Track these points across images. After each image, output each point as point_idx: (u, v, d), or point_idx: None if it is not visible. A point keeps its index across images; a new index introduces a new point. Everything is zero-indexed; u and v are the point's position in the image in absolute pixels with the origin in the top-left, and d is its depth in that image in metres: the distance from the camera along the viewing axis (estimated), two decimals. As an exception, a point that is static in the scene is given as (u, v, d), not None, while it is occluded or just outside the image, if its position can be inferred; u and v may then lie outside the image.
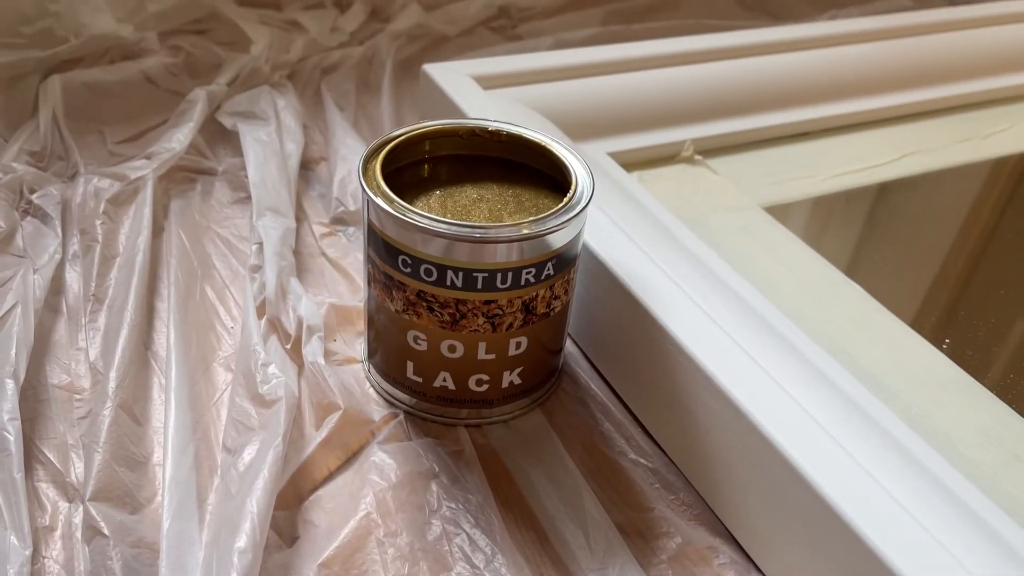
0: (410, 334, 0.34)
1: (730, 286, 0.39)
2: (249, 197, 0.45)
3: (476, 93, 0.48)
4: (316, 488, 0.32)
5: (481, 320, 0.33)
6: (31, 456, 0.32)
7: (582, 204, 0.33)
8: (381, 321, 0.35)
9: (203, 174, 0.48)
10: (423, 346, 0.34)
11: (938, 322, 0.42)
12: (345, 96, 0.55)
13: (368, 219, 0.33)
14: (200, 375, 0.36)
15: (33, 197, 0.43)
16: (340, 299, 0.40)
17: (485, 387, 0.35)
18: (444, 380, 0.35)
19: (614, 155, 0.49)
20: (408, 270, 0.32)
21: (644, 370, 0.37)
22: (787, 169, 0.52)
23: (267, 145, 0.46)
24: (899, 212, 0.50)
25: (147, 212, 0.42)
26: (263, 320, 0.37)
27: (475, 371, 0.34)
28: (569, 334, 0.40)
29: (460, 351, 0.34)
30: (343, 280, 0.42)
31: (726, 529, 0.33)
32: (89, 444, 0.32)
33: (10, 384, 0.32)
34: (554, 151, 0.36)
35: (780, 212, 0.48)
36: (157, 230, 0.43)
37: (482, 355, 0.34)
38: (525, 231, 0.31)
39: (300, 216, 0.46)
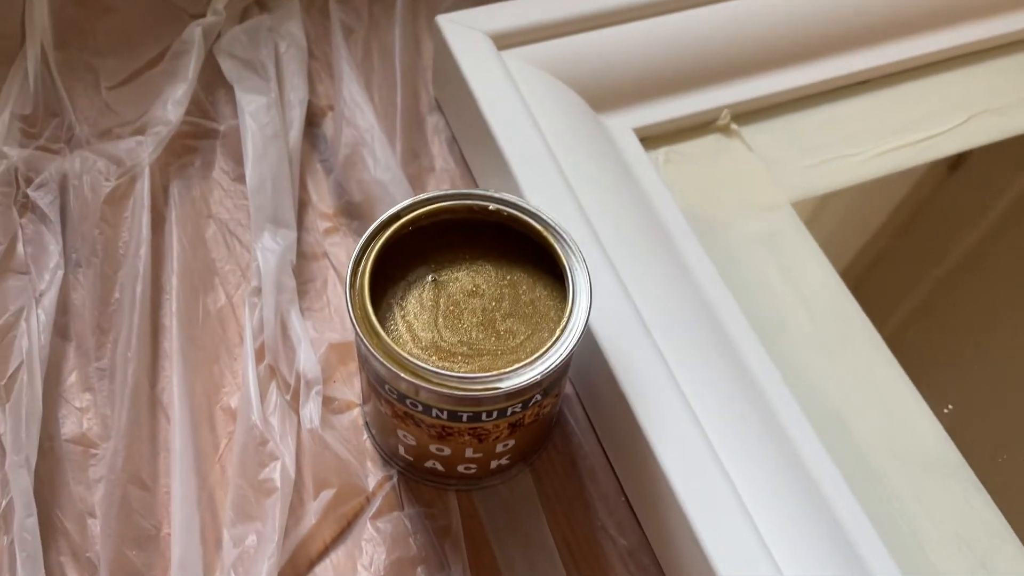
0: (399, 432, 0.34)
1: (728, 337, 0.38)
2: (251, 168, 0.43)
3: (489, 59, 0.43)
4: (312, 565, 0.35)
5: (467, 437, 0.33)
6: (51, 526, 0.35)
7: (571, 344, 0.31)
8: (372, 403, 0.35)
9: (203, 138, 0.45)
10: (411, 442, 0.35)
11: (947, 379, 0.41)
12: (356, 13, 0.50)
13: (356, 339, 0.32)
14: (204, 423, 0.38)
15: (30, 191, 0.41)
16: (342, 328, 0.40)
17: (473, 470, 0.36)
18: (433, 464, 0.36)
19: (641, 130, 0.45)
20: (393, 396, 0.32)
21: (624, 444, 0.37)
22: (833, 141, 0.47)
23: (266, 126, 0.43)
24: (945, 209, 0.46)
25: (145, 218, 0.41)
26: (262, 366, 0.38)
27: (463, 463, 0.35)
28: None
29: (448, 452, 0.34)
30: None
31: (687, 627, 0.35)
32: (103, 525, 0.34)
33: (24, 477, 0.34)
34: (554, 247, 0.33)
35: (815, 208, 0.45)
36: (157, 222, 0.42)
37: (469, 455, 0.35)
38: (510, 383, 0.30)
39: (304, 199, 0.44)
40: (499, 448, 0.34)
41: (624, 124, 0.45)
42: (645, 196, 0.43)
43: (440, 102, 0.48)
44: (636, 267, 0.39)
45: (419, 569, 0.35)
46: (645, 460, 0.35)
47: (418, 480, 0.37)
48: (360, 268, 0.32)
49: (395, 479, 0.37)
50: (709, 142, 0.46)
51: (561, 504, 0.37)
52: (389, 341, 0.30)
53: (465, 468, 0.36)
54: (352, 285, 0.32)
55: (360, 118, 0.45)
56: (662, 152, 0.46)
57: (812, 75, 0.48)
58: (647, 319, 0.38)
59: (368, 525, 0.36)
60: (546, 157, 0.41)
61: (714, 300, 0.40)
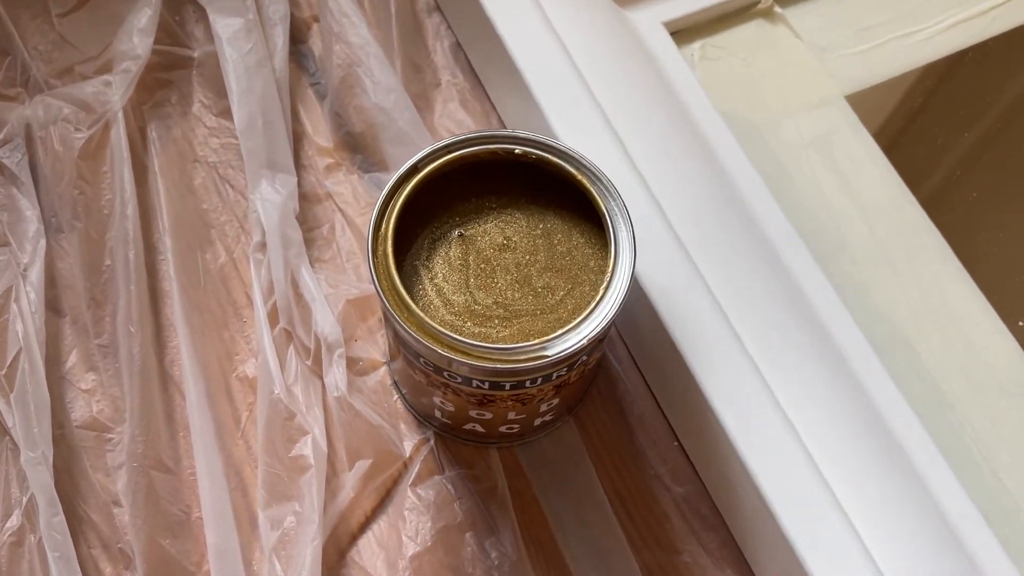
0: (436, 398, 0.37)
1: (779, 257, 0.40)
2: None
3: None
4: (355, 539, 0.38)
5: (511, 402, 0.36)
6: (76, 518, 0.38)
7: (617, 302, 0.33)
8: (401, 362, 0.37)
9: (176, 69, 0.46)
10: (450, 408, 0.37)
11: (1022, 290, 0.43)
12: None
13: (383, 310, 0.34)
14: (220, 395, 0.40)
15: (-5, 151, 0.43)
16: (357, 280, 0.42)
17: (516, 428, 0.39)
18: (473, 426, 0.38)
19: (672, 23, 0.45)
20: (429, 368, 0.34)
21: (674, 387, 0.40)
22: (889, 19, 0.47)
23: (248, 54, 0.43)
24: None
25: (126, 171, 0.42)
26: (277, 331, 0.40)
27: (505, 424, 0.38)
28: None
29: (489, 416, 0.37)
30: (355, 239, 0.43)
31: (752, 574, 0.39)
32: (132, 514, 0.37)
33: (44, 474, 0.37)
34: (591, 192, 0.34)
35: (872, 100, 0.46)
36: (139, 172, 0.43)
37: (512, 417, 0.37)
38: (555, 351, 0.32)
39: (298, 132, 0.45)
40: (543, 408, 0.37)
41: (652, 17, 0.45)
42: (679, 100, 0.43)
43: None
44: (673, 187, 0.41)
45: (467, 535, 0.38)
46: (698, 405, 0.37)
47: (456, 440, 0.40)
48: (381, 232, 0.34)
49: (432, 441, 0.40)
50: (750, 31, 0.47)
51: (609, 454, 0.40)
52: (421, 314, 0.32)
53: (507, 428, 0.38)
54: (375, 252, 0.33)
55: (352, 32, 0.45)
56: (697, 47, 0.46)
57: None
58: (688, 245, 0.39)
59: (409, 493, 0.39)
60: (565, 63, 0.42)
61: (762, 216, 0.41)
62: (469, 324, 0.34)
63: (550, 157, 0.35)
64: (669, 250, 0.39)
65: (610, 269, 0.33)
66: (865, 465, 0.37)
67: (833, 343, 0.39)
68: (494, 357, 0.32)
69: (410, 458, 0.40)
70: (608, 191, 0.34)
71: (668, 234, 0.39)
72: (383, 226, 0.34)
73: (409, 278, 0.34)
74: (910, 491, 0.36)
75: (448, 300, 0.34)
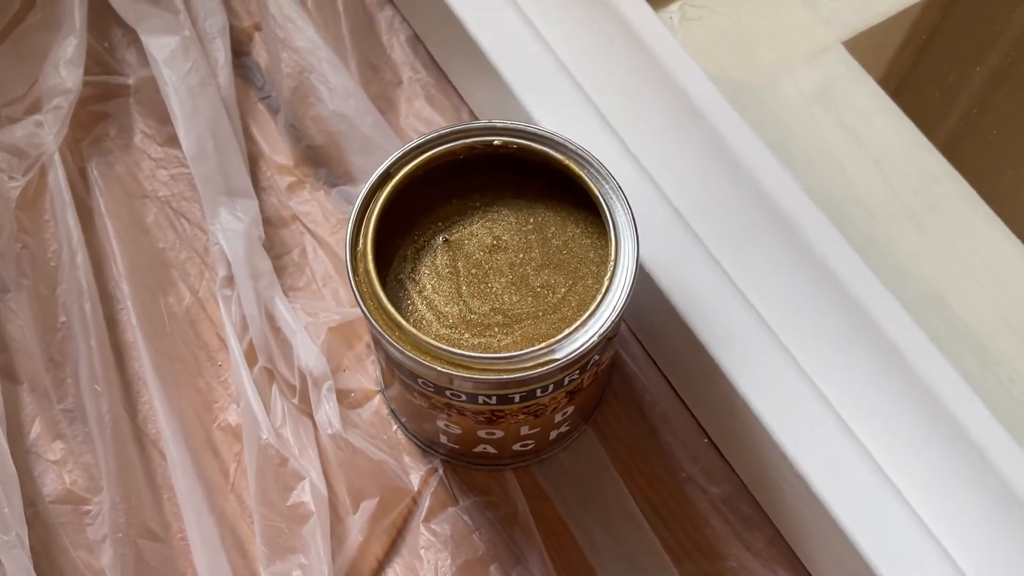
0: (439, 421, 0.37)
1: (793, 225, 0.40)
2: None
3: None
4: (369, 587, 0.38)
5: (522, 416, 0.36)
6: (63, 602, 0.38)
7: (625, 293, 0.33)
8: (396, 388, 0.37)
9: (112, 99, 0.46)
10: (456, 431, 0.37)
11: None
12: None
13: (372, 331, 0.34)
14: (204, 449, 0.40)
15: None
16: (336, 304, 0.42)
17: (531, 445, 0.39)
18: (484, 448, 0.38)
19: (647, -13, 0.46)
20: (429, 389, 0.34)
21: (697, 380, 0.40)
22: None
23: (188, 74, 0.43)
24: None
25: (71, 216, 0.42)
26: (256, 371, 0.40)
27: (518, 441, 0.38)
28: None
29: (500, 434, 0.37)
30: (330, 260, 0.43)
31: (807, 572, 0.39)
32: (122, 593, 0.37)
33: (21, 557, 0.36)
34: (582, 179, 0.34)
35: (872, 43, 0.46)
36: (84, 216, 0.43)
37: (525, 432, 0.37)
38: (564, 354, 0.32)
39: (253, 153, 0.45)
40: (558, 418, 0.37)
41: (628, -19, 0.45)
42: (664, 68, 0.43)
43: (388, -9, 0.49)
44: (668, 162, 0.41)
45: (492, 568, 0.38)
46: (725, 395, 0.37)
47: (467, 466, 0.40)
48: (359, 249, 0.34)
49: (440, 470, 0.40)
50: (732, -16, 0.47)
51: (635, 460, 0.40)
52: (414, 331, 0.32)
53: (521, 446, 0.38)
54: (355, 271, 0.33)
55: (298, 37, 0.45)
56: (676, 8, 0.46)
57: None
58: (694, 223, 0.40)
59: (422, 530, 0.39)
60: (535, 42, 0.42)
61: (767, 181, 0.41)
62: (467, 336, 0.34)
63: (532, 144, 0.35)
64: (674, 231, 0.39)
65: (612, 258, 0.33)
66: (912, 435, 0.37)
67: (861, 308, 0.39)
68: (498, 368, 0.32)
69: (419, 492, 0.40)
70: (600, 174, 0.34)
71: (670, 214, 0.39)
72: (360, 242, 0.34)
73: (395, 294, 0.34)
74: (964, 458, 0.36)
75: (441, 313, 0.34)
